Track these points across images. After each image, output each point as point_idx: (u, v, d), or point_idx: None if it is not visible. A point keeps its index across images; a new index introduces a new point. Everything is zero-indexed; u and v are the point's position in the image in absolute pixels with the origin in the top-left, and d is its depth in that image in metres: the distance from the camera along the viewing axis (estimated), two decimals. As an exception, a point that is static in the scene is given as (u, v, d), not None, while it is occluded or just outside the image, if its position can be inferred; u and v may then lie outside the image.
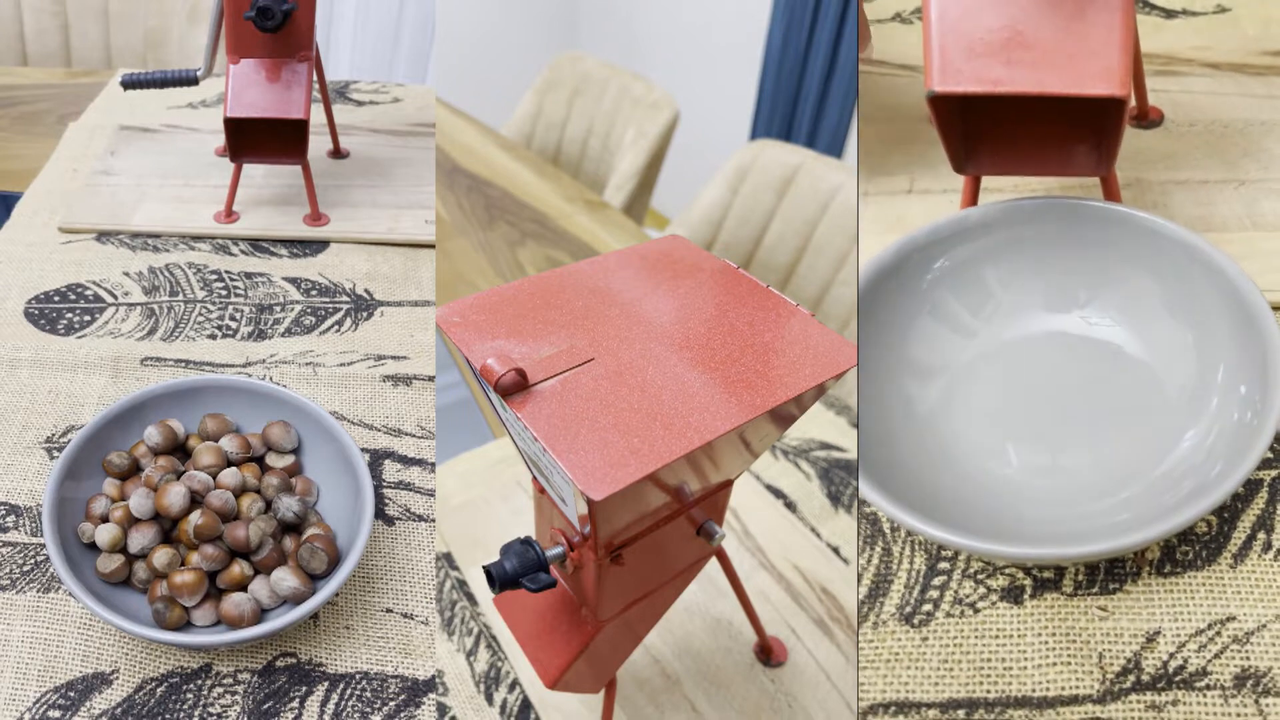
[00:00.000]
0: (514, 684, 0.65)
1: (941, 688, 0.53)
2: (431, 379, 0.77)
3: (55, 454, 0.69)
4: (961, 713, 0.52)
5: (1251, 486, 0.58)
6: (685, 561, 0.55)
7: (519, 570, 0.45)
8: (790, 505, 0.77)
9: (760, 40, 2.22)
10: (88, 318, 0.80)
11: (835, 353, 0.47)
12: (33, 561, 0.62)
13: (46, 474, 0.67)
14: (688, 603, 0.70)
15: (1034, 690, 0.52)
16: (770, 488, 0.79)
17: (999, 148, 0.63)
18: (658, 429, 0.41)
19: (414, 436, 0.73)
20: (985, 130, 0.62)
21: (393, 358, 0.79)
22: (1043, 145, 0.62)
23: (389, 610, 0.62)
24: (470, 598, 0.71)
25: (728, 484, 0.53)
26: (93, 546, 0.59)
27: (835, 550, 0.74)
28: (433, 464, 0.71)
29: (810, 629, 0.69)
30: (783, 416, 0.46)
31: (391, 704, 0.57)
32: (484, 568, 0.45)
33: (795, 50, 2.12)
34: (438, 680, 0.64)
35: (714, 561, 0.59)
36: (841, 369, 0.46)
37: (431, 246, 0.91)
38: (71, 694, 0.56)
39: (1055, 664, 0.53)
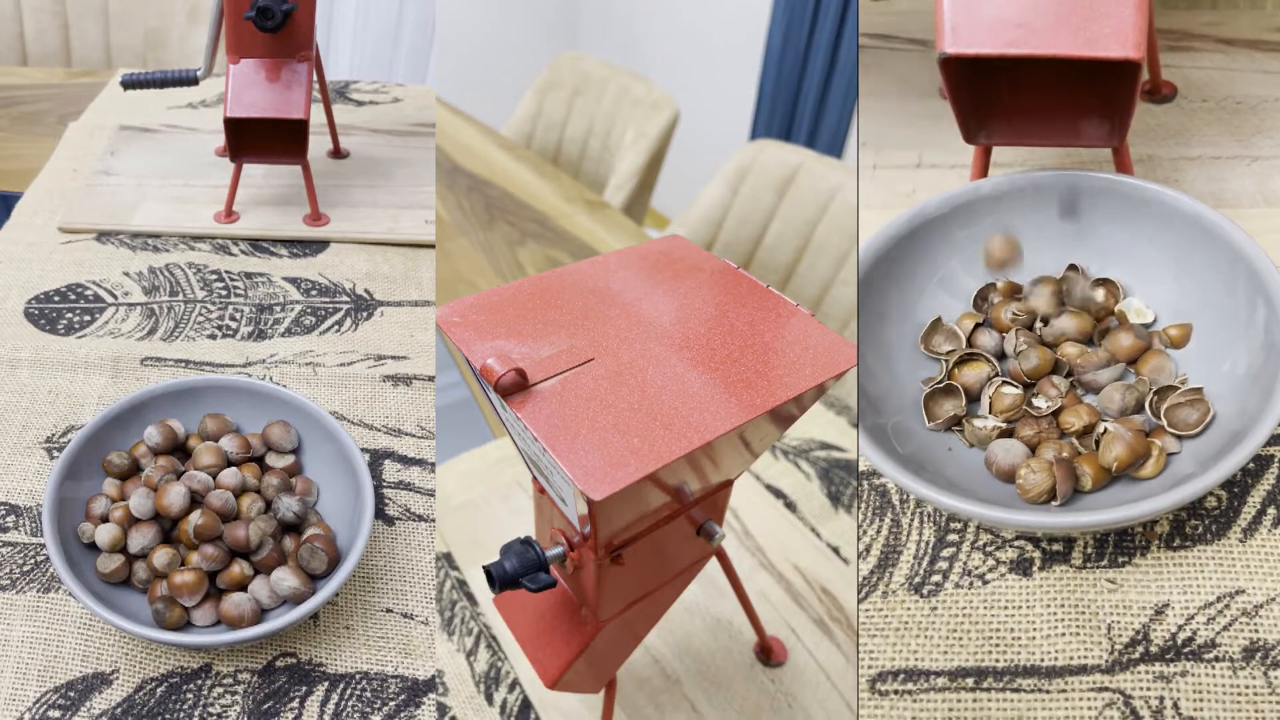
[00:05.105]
0: (514, 684, 0.65)
1: (950, 656, 0.53)
2: (431, 379, 0.77)
3: (55, 454, 0.69)
4: (970, 680, 0.52)
5: (1261, 462, 0.58)
6: (685, 561, 0.55)
7: (519, 570, 0.45)
8: (790, 505, 0.77)
9: (760, 40, 2.22)
10: (88, 318, 0.80)
11: (835, 353, 0.47)
12: (33, 561, 0.62)
13: (46, 474, 0.67)
14: (688, 603, 0.70)
15: (1042, 660, 0.52)
16: (770, 488, 0.79)
17: (1011, 116, 0.62)
18: (658, 429, 0.41)
19: (414, 436, 0.73)
20: (997, 98, 0.62)
21: (393, 358, 0.79)
22: (1055, 114, 0.62)
23: (389, 610, 0.62)
24: (470, 598, 0.71)
25: (728, 484, 0.53)
26: (93, 546, 0.59)
27: (835, 550, 0.74)
28: (433, 464, 0.71)
29: (810, 629, 0.69)
30: (783, 416, 0.46)
31: (391, 704, 0.57)
32: (484, 568, 0.45)
33: (795, 50, 2.12)
34: (438, 680, 0.64)
35: (714, 561, 0.59)
36: (841, 369, 0.46)
37: (431, 246, 0.91)
38: (71, 694, 0.56)
39: (1064, 634, 0.53)
